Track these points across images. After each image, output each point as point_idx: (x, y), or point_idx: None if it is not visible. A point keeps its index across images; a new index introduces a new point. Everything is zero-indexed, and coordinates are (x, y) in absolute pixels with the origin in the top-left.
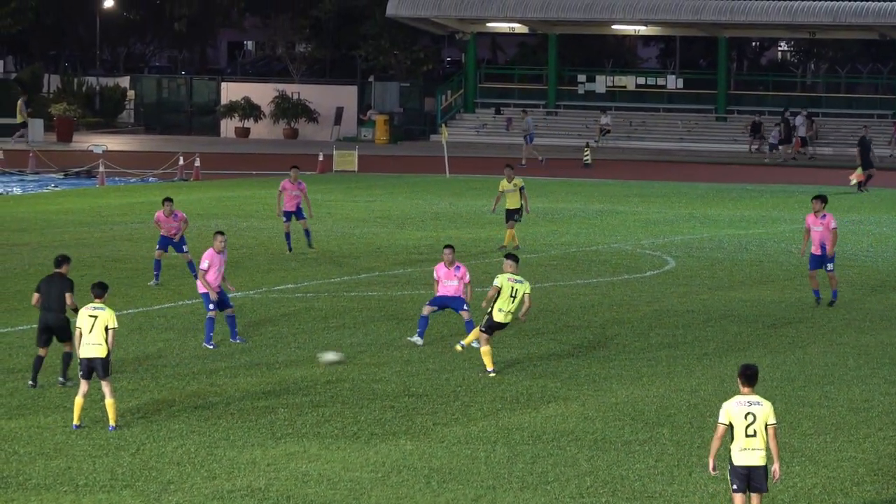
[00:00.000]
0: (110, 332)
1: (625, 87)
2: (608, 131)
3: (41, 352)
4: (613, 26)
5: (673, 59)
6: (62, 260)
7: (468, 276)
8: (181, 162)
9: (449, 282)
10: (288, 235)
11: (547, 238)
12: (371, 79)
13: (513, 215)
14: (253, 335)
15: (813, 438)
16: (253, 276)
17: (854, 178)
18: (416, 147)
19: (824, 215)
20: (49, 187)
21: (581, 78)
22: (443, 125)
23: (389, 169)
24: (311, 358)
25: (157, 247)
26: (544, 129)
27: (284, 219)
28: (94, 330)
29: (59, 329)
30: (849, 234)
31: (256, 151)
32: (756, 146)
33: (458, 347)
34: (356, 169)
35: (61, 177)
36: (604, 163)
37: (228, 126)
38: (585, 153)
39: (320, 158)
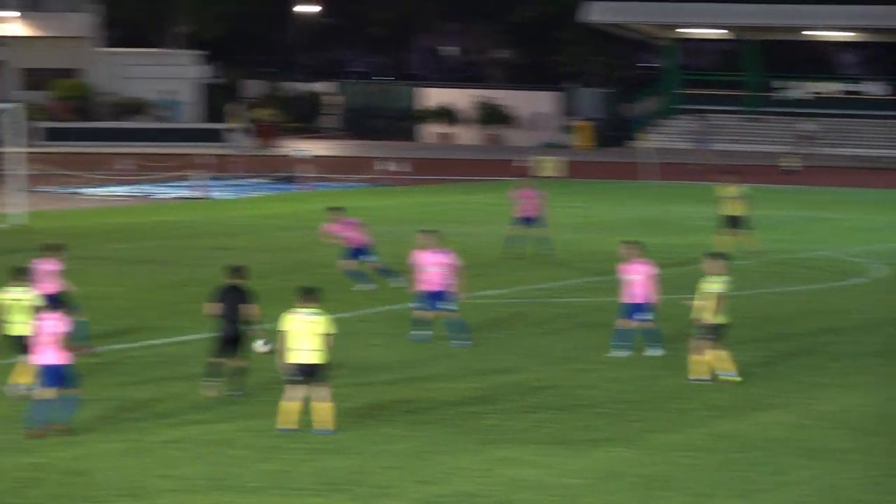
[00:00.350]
0: (327, 337)
1: (827, 93)
2: (812, 137)
3: (219, 360)
4: (814, 32)
5: (877, 66)
6: (240, 270)
7: (653, 270)
8: (384, 167)
9: (634, 276)
10: (514, 239)
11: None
12: (572, 85)
13: (734, 222)
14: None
15: None
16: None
17: None
18: (617, 153)
19: None
20: (254, 192)
21: (782, 84)
22: (643, 131)
23: (592, 175)
24: (521, 364)
25: (343, 258)
26: (744, 136)
27: (517, 223)
28: (309, 335)
29: (238, 342)
30: None
31: (457, 157)
32: None
33: (721, 376)
34: (558, 174)
35: (266, 182)
36: (808, 169)
37: (428, 131)
38: (788, 160)
39: (518, 163)
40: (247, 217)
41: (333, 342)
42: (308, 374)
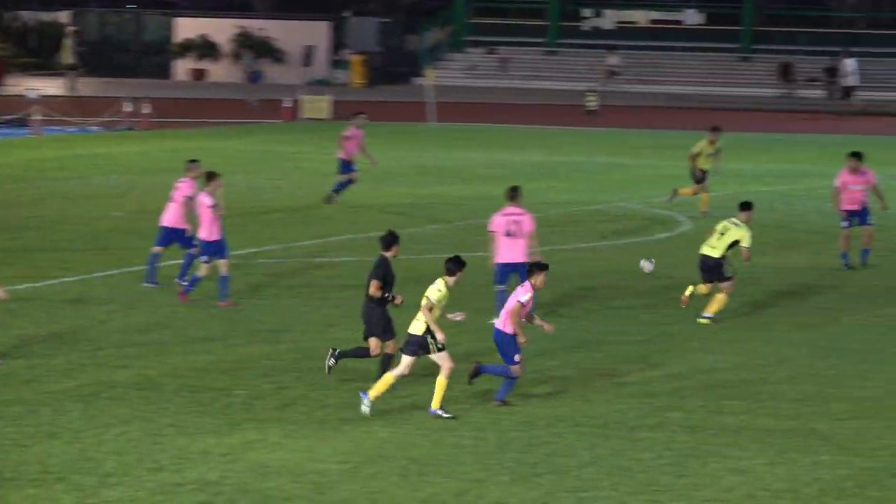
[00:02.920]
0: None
1: (636, 22)
2: (616, 73)
3: None
4: None
5: None
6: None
7: (530, 224)
8: (128, 108)
9: (509, 232)
10: (344, 185)
11: (545, 195)
12: (347, 14)
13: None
14: (206, 307)
15: (846, 423)
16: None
17: None
18: (398, 91)
19: (864, 172)
20: None
21: (586, 12)
22: (428, 67)
23: (367, 116)
24: (275, 333)
25: None
26: (543, 71)
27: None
28: None
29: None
30: (889, 192)
31: (213, 97)
32: (787, 90)
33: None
34: (328, 116)
35: None
36: (611, 109)
37: (182, 67)
38: (590, 98)
39: (286, 104)
40: None
41: None
42: None
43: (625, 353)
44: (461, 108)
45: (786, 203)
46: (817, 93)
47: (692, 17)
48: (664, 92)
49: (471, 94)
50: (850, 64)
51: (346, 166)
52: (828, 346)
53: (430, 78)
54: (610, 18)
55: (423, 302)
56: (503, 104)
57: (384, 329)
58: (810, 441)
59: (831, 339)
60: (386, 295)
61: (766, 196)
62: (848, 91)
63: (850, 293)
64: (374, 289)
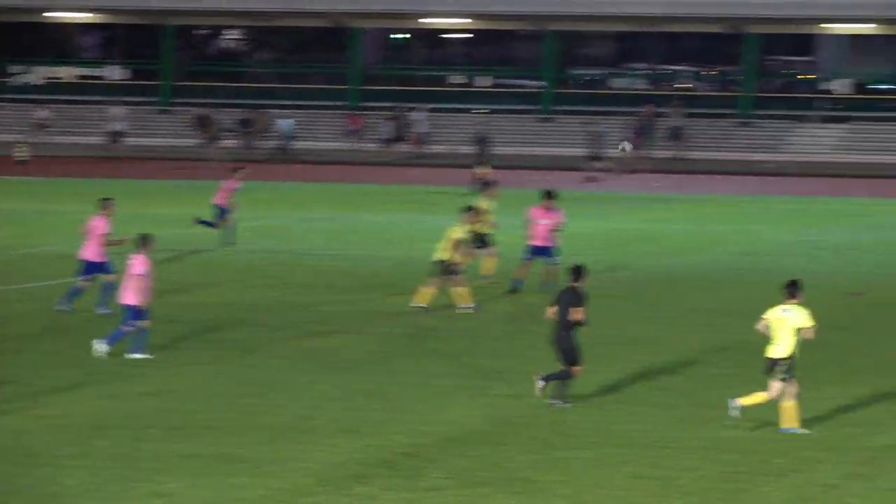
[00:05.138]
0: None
1: (65, 77)
2: (46, 126)
3: None
4: (49, 14)
5: (117, 49)
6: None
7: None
8: None
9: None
10: None
11: None
12: None
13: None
14: None
15: (260, 448)
16: None
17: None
18: None
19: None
20: None
21: (15, 68)
22: None
23: None
24: None
25: None
26: None
27: None
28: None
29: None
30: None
31: None
32: (206, 140)
33: None
34: None
35: None
36: (40, 160)
37: None
38: (19, 149)
39: None
40: None
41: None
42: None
43: (57, 387)
44: None
45: (202, 243)
46: (233, 142)
47: (117, 73)
48: (91, 143)
49: None
50: (117, 113)
51: None
52: (245, 377)
53: None
54: (39, 74)
55: None
56: None
57: None
58: (230, 465)
59: (248, 371)
60: None
61: (183, 237)
62: (116, 136)
63: (263, 328)
64: None
